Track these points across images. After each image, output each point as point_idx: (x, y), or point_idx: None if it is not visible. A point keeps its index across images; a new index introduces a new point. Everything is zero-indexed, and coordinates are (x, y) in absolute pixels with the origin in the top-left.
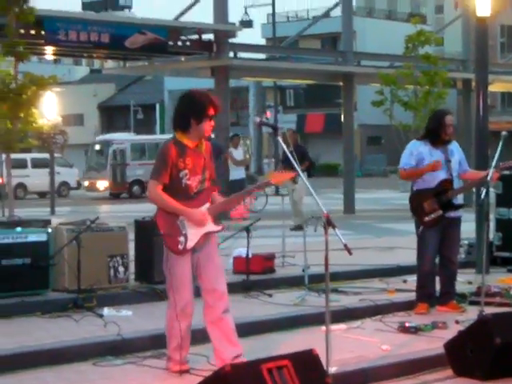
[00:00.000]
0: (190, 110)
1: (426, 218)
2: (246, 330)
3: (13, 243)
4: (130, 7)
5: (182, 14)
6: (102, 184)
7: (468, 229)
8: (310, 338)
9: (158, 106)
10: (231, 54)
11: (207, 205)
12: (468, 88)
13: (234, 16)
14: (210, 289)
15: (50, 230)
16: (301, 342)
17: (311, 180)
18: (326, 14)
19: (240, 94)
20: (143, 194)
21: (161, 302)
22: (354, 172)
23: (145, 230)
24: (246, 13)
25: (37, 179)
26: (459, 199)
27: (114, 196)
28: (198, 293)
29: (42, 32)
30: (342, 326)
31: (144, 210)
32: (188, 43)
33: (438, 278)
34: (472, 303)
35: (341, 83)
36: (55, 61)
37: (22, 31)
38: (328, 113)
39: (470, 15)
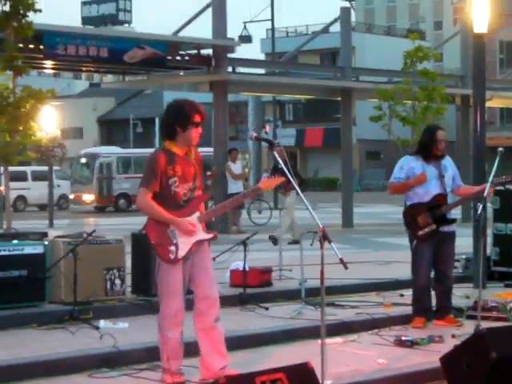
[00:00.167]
0: (175, 118)
1: (420, 232)
2: (242, 342)
3: (9, 255)
4: (129, 22)
5: (182, 28)
6: (88, 197)
7: (465, 243)
8: (306, 352)
9: (157, 120)
10: (230, 69)
11: (197, 213)
12: (466, 104)
13: (234, 31)
14: (203, 296)
15: (46, 243)
16: (297, 355)
17: (304, 195)
18: (325, 30)
19: (239, 109)
20: (129, 208)
21: (157, 315)
22: (353, 186)
23: (142, 243)
24: (245, 28)
25: (37, 192)
26: (452, 214)
27: (100, 209)
28: (189, 305)
29: (41, 46)
30: (338, 339)
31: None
32: (187, 58)
33: (433, 293)
34: (469, 317)
35: (339, 98)
36: (55, 74)
37: (21, 45)
38: (327, 127)
39: (469, 31)
